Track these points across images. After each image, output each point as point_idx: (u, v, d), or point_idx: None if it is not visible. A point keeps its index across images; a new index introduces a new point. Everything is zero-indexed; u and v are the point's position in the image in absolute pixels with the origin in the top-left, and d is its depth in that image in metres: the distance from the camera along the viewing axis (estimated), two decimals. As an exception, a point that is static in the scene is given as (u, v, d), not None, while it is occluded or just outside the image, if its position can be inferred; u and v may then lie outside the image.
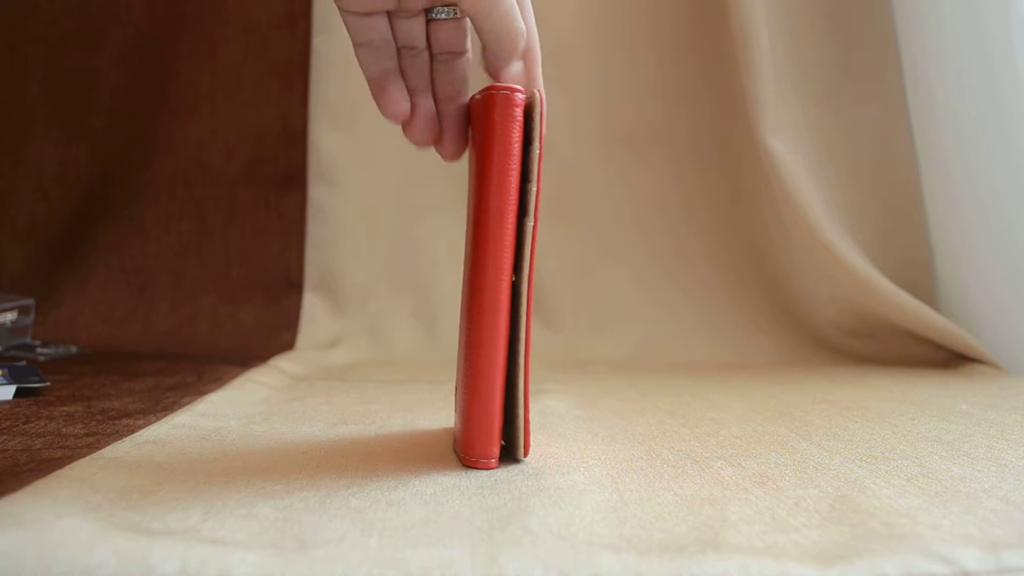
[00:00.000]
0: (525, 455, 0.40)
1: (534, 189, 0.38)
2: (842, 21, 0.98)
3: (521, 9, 0.41)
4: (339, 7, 0.41)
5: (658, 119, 1.02)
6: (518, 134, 0.38)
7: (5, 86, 1.05)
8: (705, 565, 0.27)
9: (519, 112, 0.38)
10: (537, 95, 0.38)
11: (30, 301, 0.89)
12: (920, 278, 0.93)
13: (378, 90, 0.42)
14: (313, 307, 0.98)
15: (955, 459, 0.42)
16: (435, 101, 0.43)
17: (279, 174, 1.03)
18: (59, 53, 1.05)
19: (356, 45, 0.42)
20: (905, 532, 0.30)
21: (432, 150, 0.44)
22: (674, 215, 1.02)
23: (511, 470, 0.39)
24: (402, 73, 0.43)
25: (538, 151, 0.38)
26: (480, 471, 0.39)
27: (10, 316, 0.85)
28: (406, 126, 0.43)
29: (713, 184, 1.02)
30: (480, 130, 0.39)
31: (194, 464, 0.40)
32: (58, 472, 0.36)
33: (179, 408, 0.55)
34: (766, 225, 0.98)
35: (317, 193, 1.01)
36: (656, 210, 1.02)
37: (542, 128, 0.38)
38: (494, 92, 0.38)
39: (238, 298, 1.00)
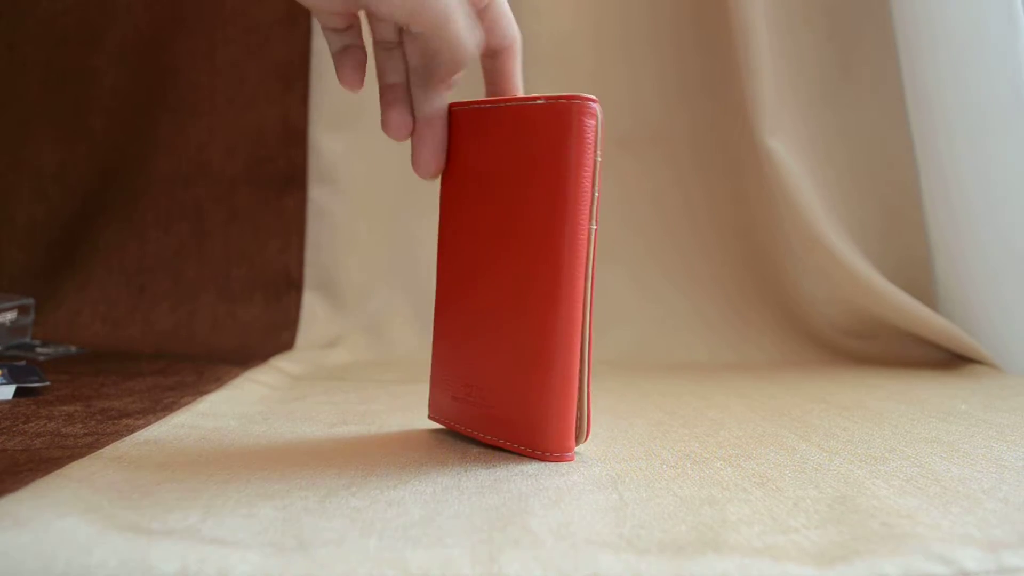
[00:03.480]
0: (586, 439, 0.42)
1: (597, 196, 0.39)
2: (841, 21, 0.98)
3: (484, 10, 0.40)
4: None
5: (657, 119, 1.02)
6: (593, 144, 0.38)
7: (5, 86, 1.05)
8: (704, 565, 0.27)
9: (594, 123, 0.38)
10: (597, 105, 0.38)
11: (30, 300, 0.89)
12: (919, 278, 0.93)
13: (339, 64, 0.42)
14: (313, 306, 0.98)
15: (954, 459, 0.42)
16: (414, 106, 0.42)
17: (279, 174, 1.03)
18: (58, 53, 1.05)
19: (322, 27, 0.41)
20: (904, 532, 0.30)
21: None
22: (673, 215, 1.02)
23: (511, 469, 0.39)
24: (379, 70, 0.42)
25: (599, 159, 0.38)
26: (479, 470, 0.39)
27: (10, 315, 0.85)
28: (384, 123, 0.42)
29: (712, 185, 1.01)
30: (543, 138, 0.39)
31: (194, 464, 0.40)
32: (58, 472, 0.36)
33: (179, 408, 0.55)
34: (765, 225, 0.98)
35: (317, 193, 1.01)
36: (655, 210, 1.02)
37: (602, 136, 0.38)
38: (567, 101, 0.38)
39: (238, 297, 1.00)
